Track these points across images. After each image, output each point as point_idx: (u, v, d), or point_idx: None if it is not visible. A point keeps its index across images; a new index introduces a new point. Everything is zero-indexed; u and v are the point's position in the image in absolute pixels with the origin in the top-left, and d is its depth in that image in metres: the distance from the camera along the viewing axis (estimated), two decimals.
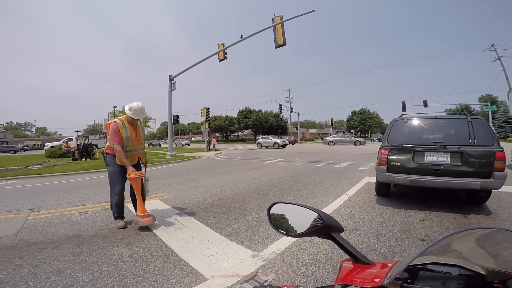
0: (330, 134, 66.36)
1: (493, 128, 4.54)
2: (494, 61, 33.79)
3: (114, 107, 48.66)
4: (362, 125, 74.83)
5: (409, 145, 4.61)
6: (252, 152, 23.30)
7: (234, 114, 75.16)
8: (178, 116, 20.78)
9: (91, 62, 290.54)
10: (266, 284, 0.65)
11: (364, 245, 3.12)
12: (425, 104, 32.54)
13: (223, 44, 18.07)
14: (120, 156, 3.86)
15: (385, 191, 5.39)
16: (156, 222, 4.01)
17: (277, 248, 3.06)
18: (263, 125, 63.97)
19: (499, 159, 4.02)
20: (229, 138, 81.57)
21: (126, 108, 4.03)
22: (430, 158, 4.45)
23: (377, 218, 4.10)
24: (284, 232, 0.85)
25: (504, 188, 4.59)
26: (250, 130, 71.45)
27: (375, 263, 0.75)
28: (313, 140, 68.40)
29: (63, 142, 23.69)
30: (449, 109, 48.30)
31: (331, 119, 61.87)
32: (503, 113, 42.60)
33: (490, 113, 37.76)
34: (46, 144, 33.85)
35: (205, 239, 3.44)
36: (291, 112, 56.01)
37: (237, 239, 3.43)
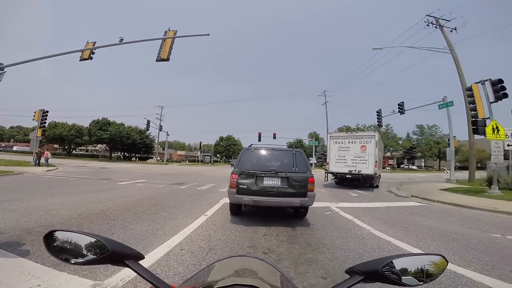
0: (198, 157, 67.44)
1: (308, 159, 6.16)
2: (322, 105, 47.66)
3: None
4: (227, 150, 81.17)
5: (253, 171, 5.49)
6: (103, 172, 19.77)
7: (85, 123, 61.85)
8: None
9: None
10: None
11: None
12: (274, 136, 39.93)
13: (94, 43, 15.13)
14: None
15: (238, 211, 5.97)
16: None
17: (127, 275, 2.69)
18: (124, 141, 56.12)
19: (311, 183, 5.43)
20: (73, 152, 65.73)
21: None
22: (267, 182, 5.44)
23: (231, 237, 4.41)
24: (68, 261, 0.79)
25: (316, 204, 6.21)
26: (104, 145, 60.58)
27: (172, 287, 0.78)
28: (180, 162, 66.80)
29: None
30: (289, 142, 61.30)
31: (200, 143, 63.52)
32: (321, 147, 58.84)
33: (314, 147, 51.35)
34: None
35: (17, 271, 2.68)
36: (160, 130, 52.98)
37: (68, 269, 2.81)
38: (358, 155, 13.54)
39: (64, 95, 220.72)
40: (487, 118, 11.69)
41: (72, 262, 0.78)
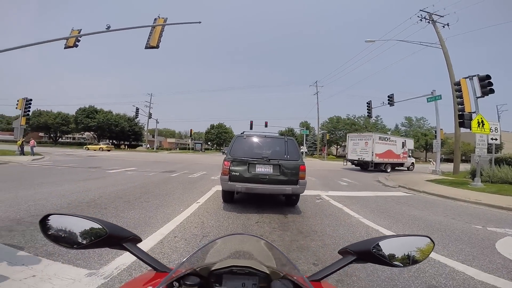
0: (189, 145, 66.83)
1: (299, 147, 6.17)
2: (314, 94, 48.24)
3: None
4: (218, 138, 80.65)
5: (245, 158, 5.46)
6: (92, 160, 19.41)
7: (71, 111, 59.99)
8: None
9: None
10: None
11: None
12: (266, 125, 39.85)
13: (79, 31, 14.52)
14: None
15: (230, 198, 6.00)
16: None
17: (122, 263, 2.70)
18: (112, 129, 54.96)
19: (302, 170, 5.46)
20: (60, 140, 63.90)
21: None
22: (260, 169, 5.43)
23: (224, 224, 4.46)
24: (65, 245, 0.77)
25: (307, 192, 6.34)
26: (92, 133, 59.11)
27: (176, 270, 0.75)
28: (170, 150, 66.06)
29: None
30: (281, 130, 61.41)
31: (191, 130, 62.79)
32: (312, 136, 59.35)
33: (304, 136, 51.87)
34: None
35: (10, 261, 2.62)
36: (149, 118, 52.01)
37: (62, 258, 2.78)
38: (363, 148, 20.73)
39: (48, 83, 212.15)
40: (473, 112, 12.01)
41: (70, 246, 0.76)
